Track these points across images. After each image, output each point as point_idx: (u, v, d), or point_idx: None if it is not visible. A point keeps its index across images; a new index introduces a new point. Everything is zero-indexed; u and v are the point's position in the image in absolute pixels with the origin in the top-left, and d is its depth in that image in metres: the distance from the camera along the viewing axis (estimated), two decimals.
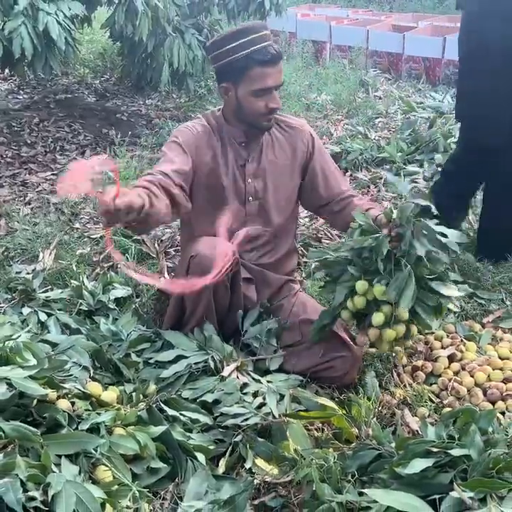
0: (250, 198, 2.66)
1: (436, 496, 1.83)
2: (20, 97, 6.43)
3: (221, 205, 2.60)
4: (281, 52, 2.48)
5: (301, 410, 2.32)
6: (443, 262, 2.31)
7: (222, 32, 2.54)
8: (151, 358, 2.54)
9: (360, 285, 2.28)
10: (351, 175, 4.67)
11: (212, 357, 2.47)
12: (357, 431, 2.31)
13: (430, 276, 2.31)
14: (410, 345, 2.56)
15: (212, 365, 2.44)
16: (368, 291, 2.28)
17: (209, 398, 2.31)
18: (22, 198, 4.32)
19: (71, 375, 2.08)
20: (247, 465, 2.08)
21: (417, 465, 1.90)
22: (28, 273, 3.20)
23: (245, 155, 2.63)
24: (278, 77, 2.47)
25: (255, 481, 2.06)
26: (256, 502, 2.03)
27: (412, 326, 2.36)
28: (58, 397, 1.94)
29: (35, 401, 1.87)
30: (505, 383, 2.57)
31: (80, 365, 2.23)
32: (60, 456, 1.73)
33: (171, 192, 2.35)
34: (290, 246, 2.86)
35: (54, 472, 1.64)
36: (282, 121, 2.70)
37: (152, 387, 2.33)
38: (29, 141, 5.30)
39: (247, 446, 2.13)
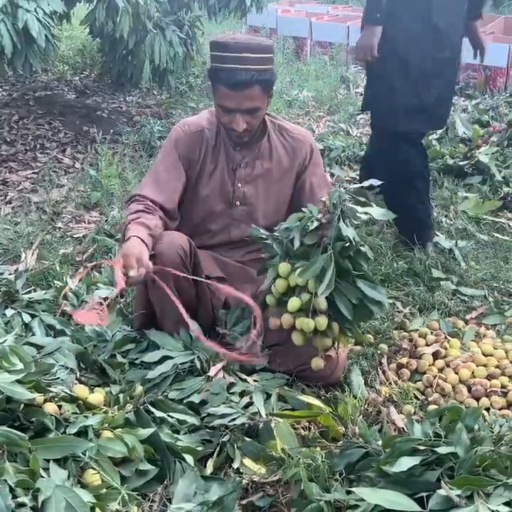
0: (237, 202, 2.64)
1: (424, 494, 1.84)
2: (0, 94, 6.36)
3: (205, 206, 2.61)
4: (253, 81, 2.33)
5: (287, 409, 2.33)
6: (367, 257, 2.22)
7: (223, 35, 2.47)
8: (136, 359, 2.53)
9: (283, 267, 2.20)
10: (331, 174, 4.68)
11: (198, 357, 2.47)
12: (343, 429, 2.32)
13: (357, 273, 2.19)
14: (327, 347, 2.29)
15: (198, 365, 2.44)
16: (291, 276, 2.19)
17: (196, 399, 2.31)
18: (2, 197, 4.27)
19: (58, 378, 2.07)
20: (235, 465, 2.08)
21: (404, 463, 1.91)
22: (10, 273, 3.16)
23: (239, 159, 2.60)
24: (242, 102, 2.37)
25: (243, 481, 2.06)
26: (244, 502, 2.04)
27: (334, 324, 2.22)
28: (45, 401, 1.93)
29: (22, 405, 1.85)
30: (489, 379, 2.60)
31: (67, 368, 2.22)
32: (48, 461, 1.72)
33: (160, 216, 2.48)
34: None
35: (43, 477, 1.63)
36: (285, 130, 2.65)
37: (139, 389, 2.32)
38: (9, 139, 5.24)
39: (235, 446, 2.13)
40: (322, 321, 2.17)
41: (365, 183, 2.22)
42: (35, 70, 4.54)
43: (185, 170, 2.58)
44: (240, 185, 2.61)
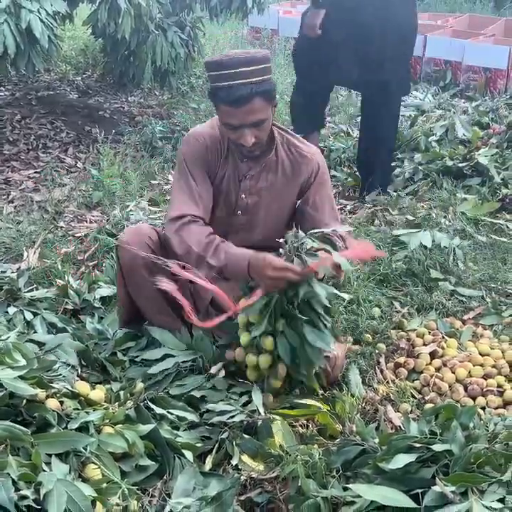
0: (239, 211, 2.63)
1: (419, 491, 1.87)
2: (2, 94, 6.37)
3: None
4: (252, 94, 2.29)
5: (285, 407, 2.36)
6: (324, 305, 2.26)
7: (217, 55, 2.44)
8: (136, 357, 2.57)
9: (241, 303, 2.31)
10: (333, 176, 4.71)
11: (200, 356, 2.50)
12: (341, 427, 2.35)
13: (306, 318, 2.25)
14: (276, 388, 2.40)
15: (200, 363, 2.47)
16: None
17: (196, 394, 2.35)
18: (5, 196, 4.31)
19: (59, 374, 2.10)
20: (234, 462, 2.11)
21: (400, 460, 1.94)
22: (12, 272, 3.19)
23: (245, 170, 2.57)
24: (245, 117, 2.33)
25: (242, 478, 2.09)
26: (242, 498, 2.07)
27: (280, 365, 2.33)
28: (47, 397, 1.96)
29: (24, 401, 1.89)
30: (485, 379, 2.63)
31: (68, 365, 2.25)
32: (50, 455, 1.76)
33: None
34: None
35: (45, 471, 1.67)
36: (294, 146, 2.59)
37: (139, 386, 2.36)
38: (11, 139, 5.28)
39: (234, 443, 2.16)
40: (264, 360, 2.31)
41: (328, 230, 2.28)
42: (37, 71, 4.56)
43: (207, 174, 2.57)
44: (244, 196, 2.60)
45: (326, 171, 2.67)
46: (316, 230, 2.30)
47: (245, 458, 2.16)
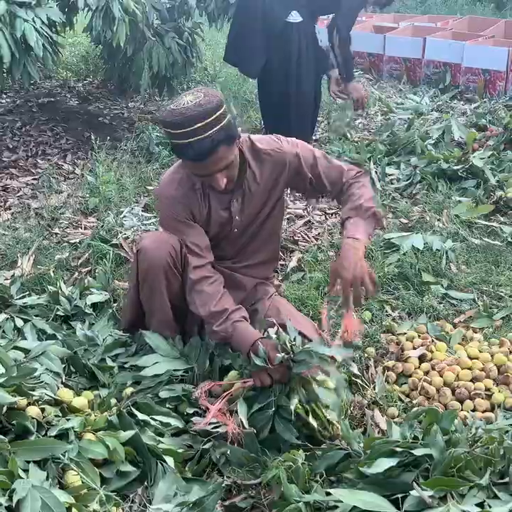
0: (235, 229, 2.65)
1: (400, 495, 1.88)
2: (3, 101, 6.43)
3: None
4: (213, 146, 2.24)
5: None
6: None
7: (168, 105, 2.31)
8: (125, 363, 2.58)
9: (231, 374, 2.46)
10: None
11: (192, 368, 2.51)
12: (330, 432, 2.35)
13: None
14: None
15: (192, 374, 2.49)
16: None
17: (185, 403, 2.37)
18: (2, 204, 4.34)
19: (42, 381, 2.12)
20: (216, 471, 2.12)
21: (382, 464, 1.95)
22: (6, 279, 3.22)
23: (228, 198, 2.57)
24: (211, 167, 2.31)
25: (226, 483, 2.10)
26: (226, 503, 2.08)
27: None
28: (28, 404, 1.98)
29: (4, 408, 1.90)
30: (473, 382, 2.63)
31: (51, 372, 2.27)
32: (28, 462, 1.77)
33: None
34: (270, 255, 2.87)
35: (21, 478, 1.68)
36: (259, 151, 2.56)
37: (127, 391, 2.37)
38: (11, 146, 5.31)
39: (216, 453, 2.17)
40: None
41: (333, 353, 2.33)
42: (34, 80, 4.59)
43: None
44: (237, 217, 2.61)
45: (302, 151, 2.60)
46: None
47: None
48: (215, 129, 2.23)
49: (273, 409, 2.26)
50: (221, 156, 2.29)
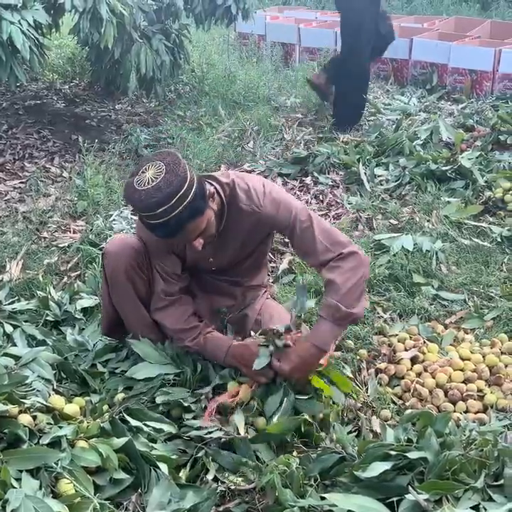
0: (213, 267, 2.65)
1: (395, 499, 1.88)
2: None
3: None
4: (179, 225, 2.19)
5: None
6: None
7: (132, 178, 2.20)
8: (116, 368, 2.56)
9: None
10: (317, 178, 4.72)
11: (183, 371, 2.49)
12: (324, 435, 2.34)
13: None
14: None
15: (185, 377, 2.47)
16: None
17: (178, 407, 2.35)
18: None
19: (33, 389, 2.10)
20: (210, 477, 2.11)
21: (376, 468, 1.95)
22: None
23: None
24: (183, 239, 2.32)
25: (220, 489, 2.09)
26: (221, 509, 2.07)
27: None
28: (20, 412, 1.96)
29: None
30: (465, 384, 2.63)
31: (43, 379, 2.25)
32: (21, 471, 1.75)
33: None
34: (256, 277, 2.84)
35: (14, 488, 1.66)
36: (238, 202, 2.43)
37: (118, 397, 2.35)
38: None
39: (210, 459, 2.16)
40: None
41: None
42: (20, 82, 4.55)
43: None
44: (211, 259, 2.60)
45: (281, 215, 2.42)
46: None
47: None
48: (178, 210, 2.15)
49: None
50: (191, 229, 2.25)
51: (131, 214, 3.98)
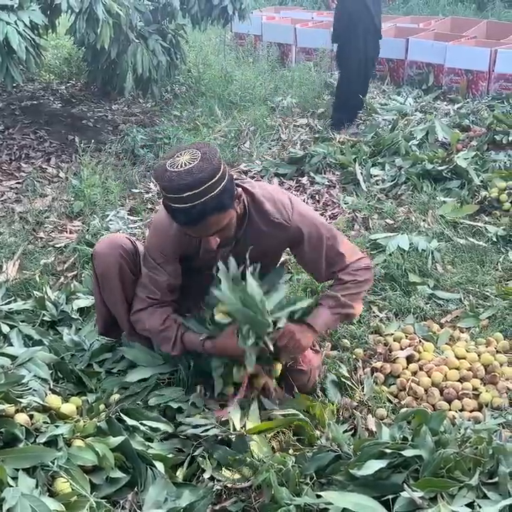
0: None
1: (390, 496, 1.88)
2: None
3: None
4: (205, 214, 2.16)
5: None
6: None
7: (164, 160, 2.20)
8: (113, 368, 2.57)
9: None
10: (313, 178, 4.74)
11: (177, 370, 2.49)
12: (318, 434, 2.35)
13: None
14: None
15: (179, 376, 2.47)
16: None
17: (173, 405, 2.35)
18: None
19: (30, 388, 2.10)
20: (206, 475, 2.11)
21: (372, 466, 1.96)
22: None
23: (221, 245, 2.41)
24: (202, 232, 2.25)
25: (216, 487, 2.09)
26: (217, 507, 2.07)
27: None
28: (16, 411, 1.96)
29: None
30: (461, 382, 2.65)
31: (39, 378, 2.25)
32: (17, 470, 1.76)
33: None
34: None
35: (11, 486, 1.66)
36: (265, 214, 2.39)
37: (114, 397, 2.36)
38: None
39: (207, 457, 2.16)
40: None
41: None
42: (16, 83, 4.56)
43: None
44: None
45: (310, 229, 2.44)
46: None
47: (219, 470, 2.16)
48: (205, 198, 2.13)
49: None
50: (212, 222, 2.21)
51: (128, 214, 3.99)
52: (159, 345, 2.52)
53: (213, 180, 2.14)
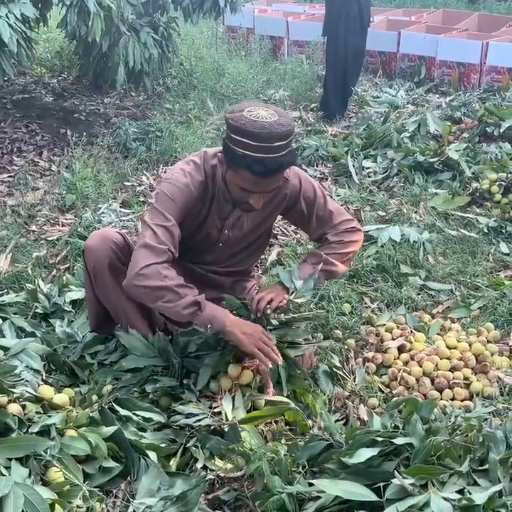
0: (220, 244, 2.62)
1: (382, 484, 1.90)
2: None
3: (188, 244, 2.59)
4: (283, 167, 2.28)
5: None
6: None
7: (240, 112, 2.24)
8: (105, 360, 2.57)
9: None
10: (306, 171, 4.74)
11: (172, 364, 2.49)
12: (311, 423, 2.37)
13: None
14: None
15: (173, 370, 2.48)
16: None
17: (166, 396, 2.36)
18: None
19: (22, 379, 2.11)
20: (199, 465, 2.12)
21: (363, 454, 1.97)
22: None
23: (229, 210, 2.52)
24: (267, 186, 2.33)
25: (209, 477, 2.11)
26: (210, 496, 2.09)
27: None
28: (9, 402, 1.97)
29: None
30: (452, 372, 2.66)
31: (32, 369, 2.26)
32: (10, 459, 1.76)
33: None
34: (250, 265, 2.86)
35: (3, 475, 1.67)
36: None
37: (107, 388, 2.37)
38: None
39: (199, 447, 2.17)
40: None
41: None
42: (8, 77, 4.54)
43: (183, 218, 2.48)
44: (226, 231, 2.59)
45: (305, 186, 2.57)
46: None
47: (212, 460, 2.18)
48: (288, 150, 2.25)
49: None
50: (279, 178, 2.33)
51: (120, 206, 3.98)
52: (170, 303, 2.33)
53: (293, 136, 2.32)
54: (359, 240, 2.67)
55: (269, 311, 2.43)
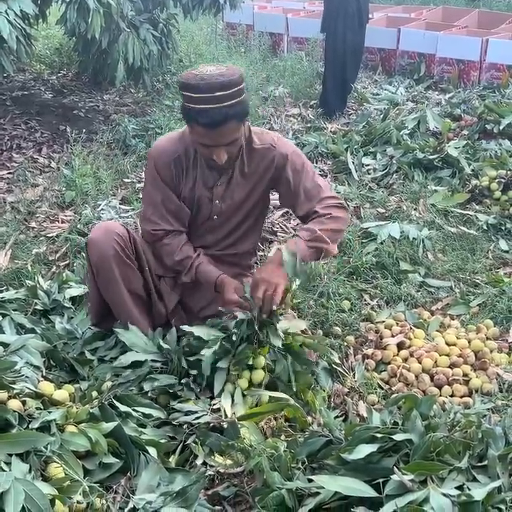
0: (215, 216, 2.67)
1: (381, 480, 1.90)
2: None
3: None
4: (228, 117, 2.31)
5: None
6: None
7: (190, 71, 2.38)
8: (105, 356, 2.58)
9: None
10: None
11: (171, 360, 2.49)
12: (310, 419, 2.37)
13: None
14: None
15: (172, 366, 2.48)
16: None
17: (166, 393, 2.36)
18: None
19: (22, 375, 2.11)
20: (199, 461, 2.13)
21: (362, 450, 1.97)
22: None
23: (215, 178, 2.60)
24: (219, 139, 2.37)
25: (209, 472, 2.11)
26: (210, 492, 2.09)
27: None
28: (9, 398, 1.97)
29: None
30: (451, 368, 2.67)
31: (32, 365, 2.26)
32: (11, 455, 1.77)
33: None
34: (249, 247, 2.87)
35: (4, 471, 1.68)
36: (255, 143, 2.60)
37: (107, 384, 2.37)
38: None
39: (199, 444, 2.18)
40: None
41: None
42: (7, 73, 4.54)
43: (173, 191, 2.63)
44: (217, 201, 2.63)
45: (295, 155, 2.64)
46: None
47: (212, 456, 2.18)
48: (233, 101, 2.30)
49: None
50: (231, 129, 2.36)
51: (119, 203, 3.98)
52: (176, 272, 2.68)
53: (241, 86, 2.35)
54: (347, 218, 2.68)
55: (275, 308, 2.41)
